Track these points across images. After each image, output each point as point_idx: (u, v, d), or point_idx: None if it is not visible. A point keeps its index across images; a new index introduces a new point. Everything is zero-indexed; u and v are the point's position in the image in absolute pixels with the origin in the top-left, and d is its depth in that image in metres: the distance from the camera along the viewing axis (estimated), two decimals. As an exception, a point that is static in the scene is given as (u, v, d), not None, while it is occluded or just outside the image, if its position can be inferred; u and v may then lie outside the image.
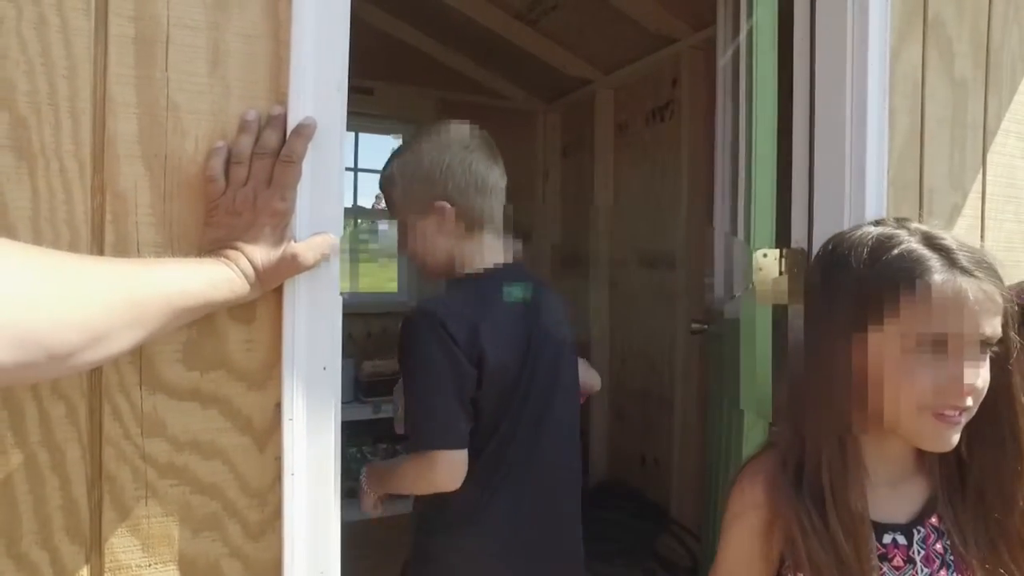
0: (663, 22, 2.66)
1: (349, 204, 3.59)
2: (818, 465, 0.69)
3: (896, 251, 0.68)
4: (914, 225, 0.72)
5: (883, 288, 0.67)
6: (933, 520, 0.73)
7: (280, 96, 0.73)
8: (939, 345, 0.66)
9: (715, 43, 1.96)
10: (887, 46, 1.17)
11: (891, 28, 1.18)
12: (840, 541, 0.67)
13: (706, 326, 1.90)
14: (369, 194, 3.76)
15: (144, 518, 0.68)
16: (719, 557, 0.78)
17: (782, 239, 1.32)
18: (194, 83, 0.70)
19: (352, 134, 3.47)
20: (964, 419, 0.68)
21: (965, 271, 0.66)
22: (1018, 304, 0.95)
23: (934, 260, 0.66)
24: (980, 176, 1.35)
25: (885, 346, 0.68)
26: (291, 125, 0.71)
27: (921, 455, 0.74)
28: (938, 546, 0.72)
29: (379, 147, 3.72)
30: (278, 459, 0.73)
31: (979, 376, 0.66)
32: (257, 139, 0.70)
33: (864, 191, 1.16)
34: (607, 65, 3.13)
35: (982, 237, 1.35)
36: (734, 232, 1.55)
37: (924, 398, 0.67)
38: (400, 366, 1.07)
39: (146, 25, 0.67)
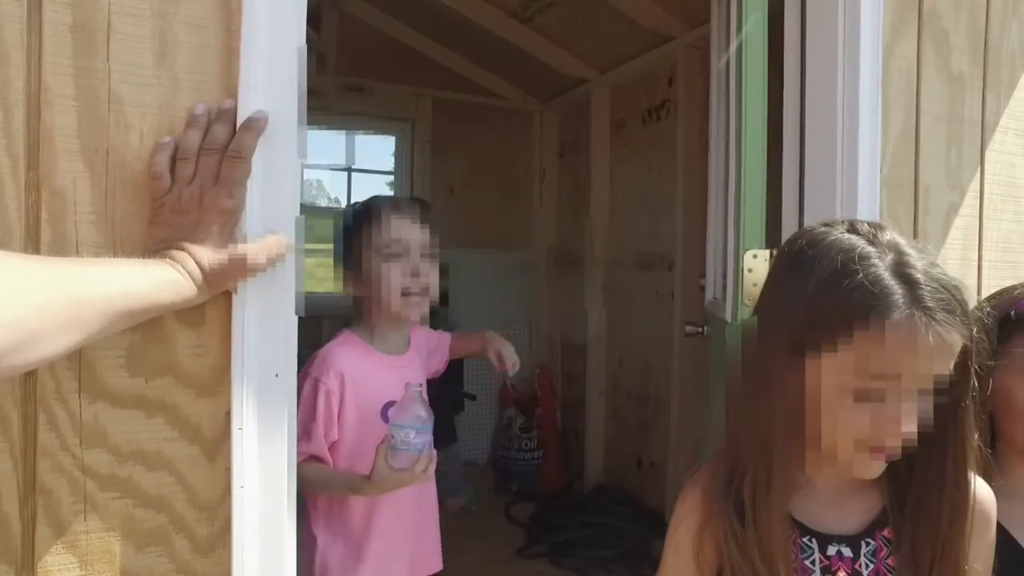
0: (658, 19, 2.62)
1: (343, 204, 3.56)
2: (743, 477, 0.68)
3: (859, 277, 0.63)
4: (888, 238, 0.67)
5: (837, 317, 0.63)
6: (886, 532, 0.71)
7: (232, 89, 0.69)
8: (887, 387, 0.62)
9: (710, 41, 1.92)
10: (880, 40, 1.13)
11: (884, 21, 1.14)
12: (754, 553, 0.66)
13: (701, 329, 1.85)
14: (364, 194, 3.73)
15: (83, 534, 0.65)
16: (661, 563, 0.77)
17: (773, 239, 1.28)
18: (139, 75, 0.66)
19: (343, 133, 3.44)
20: (894, 453, 0.65)
21: (927, 311, 0.61)
22: (1013, 314, 0.92)
23: (896, 296, 0.62)
24: (978, 174, 1.30)
25: (829, 376, 0.64)
26: (242, 119, 0.68)
27: None
28: (891, 560, 0.70)
29: (374, 147, 3.69)
30: (228, 470, 0.70)
31: (915, 418, 0.63)
32: (206, 134, 0.67)
33: (856, 189, 1.12)
34: (603, 64, 3.10)
35: (980, 237, 1.31)
36: (726, 232, 1.51)
37: (860, 434, 0.64)
38: None
39: (85, 12, 0.64)
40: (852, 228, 0.69)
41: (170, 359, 0.68)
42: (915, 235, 1.25)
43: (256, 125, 0.67)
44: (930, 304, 0.61)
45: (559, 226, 3.63)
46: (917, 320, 0.60)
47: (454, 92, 3.41)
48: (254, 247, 0.67)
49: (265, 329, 0.70)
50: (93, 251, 0.65)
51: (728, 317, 1.39)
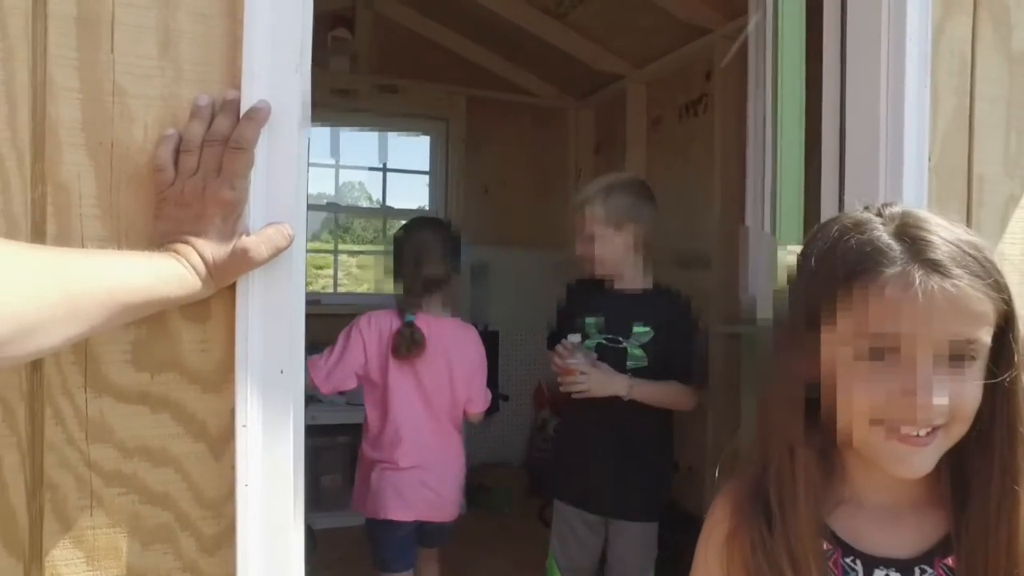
0: (695, 11, 2.54)
1: (378, 204, 3.58)
2: (769, 476, 0.63)
3: (853, 241, 0.59)
4: (897, 211, 0.62)
5: (831, 281, 0.59)
6: (949, 561, 0.62)
7: (236, 79, 0.68)
8: (891, 350, 0.57)
9: (748, 31, 1.85)
10: (929, 17, 1.05)
11: (934, -3, 1.06)
12: (783, 561, 0.60)
13: (738, 329, 1.79)
14: (398, 194, 3.74)
15: (89, 529, 0.64)
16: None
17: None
18: (142, 66, 0.65)
19: (376, 133, 3.46)
20: (936, 441, 0.58)
21: (932, 265, 0.55)
22: None
23: (895, 252, 0.57)
24: (1042, 163, 1.21)
25: (837, 347, 0.60)
26: (246, 110, 0.66)
27: (932, 483, 0.63)
28: None
29: (407, 146, 3.70)
30: (234, 468, 0.68)
31: (945, 391, 0.56)
32: (210, 125, 0.66)
33: (901, 179, 1.05)
34: (638, 59, 3.03)
35: (1044, 231, 1.21)
36: (762, 228, 1.44)
37: (875, 411, 0.58)
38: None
39: (89, 3, 0.63)
40: (866, 208, 0.66)
41: (175, 354, 0.67)
42: (969, 228, 1.16)
43: (258, 115, 0.65)
44: (933, 256, 0.56)
45: (594, 225, 3.57)
46: (913, 272, 0.55)
47: (488, 90, 3.39)
48: (255, 239, 0.65)
49: (270, 325, 0.68)
50: (98, 244, 0.64)
51: (765, 316, 1.33)
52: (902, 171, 1.06)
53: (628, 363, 1.67)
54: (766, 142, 1.42)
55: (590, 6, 2.78)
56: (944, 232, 0.58)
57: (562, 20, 2.95)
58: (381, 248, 3.82)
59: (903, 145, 1.05)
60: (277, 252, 0.67)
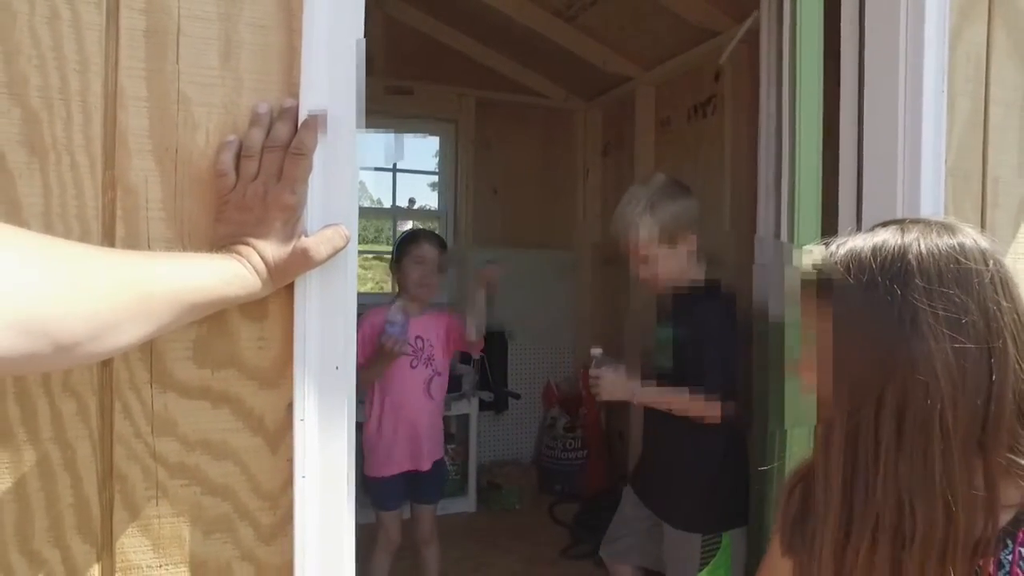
0: (704, 14, 2.57)
1: (388, 204, 3.62)
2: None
3: None
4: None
5: None
6: None
7: (293, 88, 0.71)
8: None
9: (758, 34, 1.88)
10: (946, 23, 1.08)
11: (951, 3, 1.09)
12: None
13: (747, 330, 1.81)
14: (409, 194, 3.77)
15: (155, 518, 0.67)
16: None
17: (829, 235, 1.24)
18: (205, 76, 0.68)
19: (391, 135, 3.49)
20: None
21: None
22: None
23: None
24: (1054, 165, 1.24)
25: None
26: (303, 117, 0.69)
27: None
28: None
29: (419, 148, 3.73)
30: (290, 461, 0.71)
31: None
32: (268, 132, 0.69)
33: (919, 181, 1.08)
34: (647, 61, 3.06)
35: (1056, 232, 1.24)
36: (778, 229, 1.47)
37: None
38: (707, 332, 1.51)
39: (157, 17, 0.66)
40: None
41: (234, 352, 0.70)
42: (983, 229, 1.19)
43: (317, 123, 0.68)
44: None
45: (603, 225, 3.60)
46: None
47: (497, 92, 3.43)
48: (315, 239, 0.68)
49: (326, 323, 0.71)
50: (163, 246, 0.67)
51: (779, 318, 1.36)
52: (920, 173, 1.09)
53: (656, 368, 1.61)
54: (783, 144, 1.45)
55: (600, 9, 2.80)
56: (871, 242, 0.66)
57: (572, 23, 2.98)
58: (387, 248, 3.85)
59: (921, 147, 1.08)
60: (335, 252, 0.70)
